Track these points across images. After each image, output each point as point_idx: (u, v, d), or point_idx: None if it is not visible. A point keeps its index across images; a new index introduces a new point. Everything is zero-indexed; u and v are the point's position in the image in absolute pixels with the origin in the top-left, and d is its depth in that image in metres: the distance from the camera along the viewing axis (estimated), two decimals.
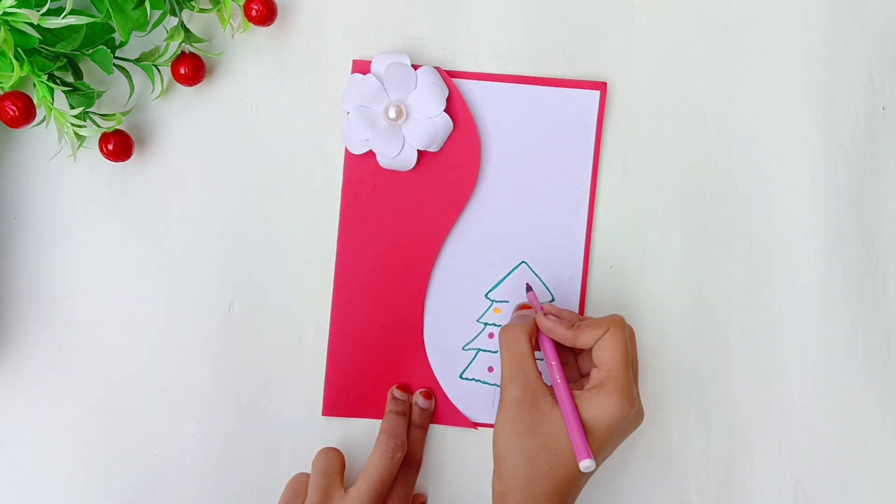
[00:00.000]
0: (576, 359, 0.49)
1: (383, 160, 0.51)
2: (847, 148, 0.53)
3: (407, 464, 0.51)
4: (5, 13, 0.42)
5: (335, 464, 0.50)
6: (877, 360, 0.54)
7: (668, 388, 0.53)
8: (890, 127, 0.54)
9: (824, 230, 0.54)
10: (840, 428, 0.54)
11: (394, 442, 0.49)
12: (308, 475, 0.50)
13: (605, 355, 0.45)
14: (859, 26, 0.53)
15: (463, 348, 0.53)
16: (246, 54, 0.52)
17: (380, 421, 0.52)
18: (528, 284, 0.51)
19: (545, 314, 0.48)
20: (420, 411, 0.52)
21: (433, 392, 0.53)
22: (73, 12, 0.43)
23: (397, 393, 0.52)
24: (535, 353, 0.47)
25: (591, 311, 0.53)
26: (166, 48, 0.50)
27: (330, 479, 0.49)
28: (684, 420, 0.54)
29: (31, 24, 0.43)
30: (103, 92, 0.50)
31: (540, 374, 0.46)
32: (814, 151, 0.53)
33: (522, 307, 0.51)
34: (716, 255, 0.53)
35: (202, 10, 0.50)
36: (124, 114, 0.50)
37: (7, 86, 0.45)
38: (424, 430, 0.53)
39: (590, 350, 0.46)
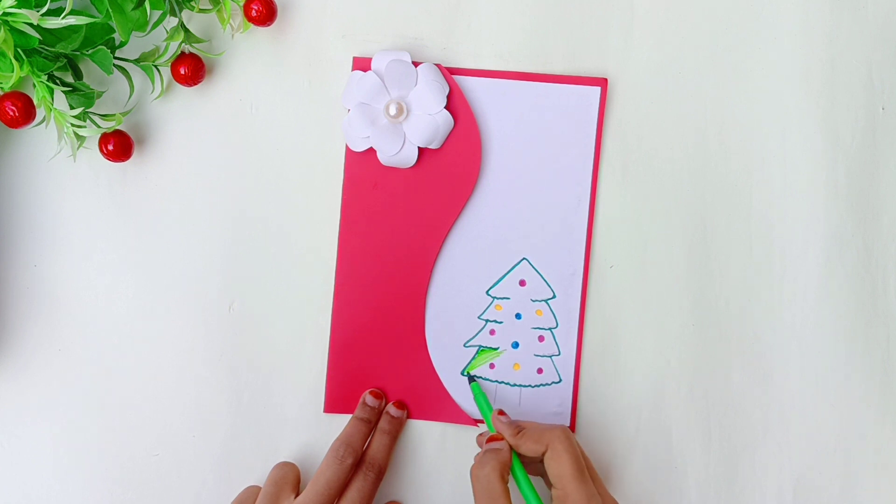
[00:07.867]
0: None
1: (384, 157, 0.51)
2: (847, 148, 0.53)
3: (367, 468, 0.50)
4: (5, 13, 0.42)
5: (288, 475, 0.50)
6: (877, 360, 0.54)
7: (668, 388, 0.53)
8: (890, 127, 0.54)
9: (824, 230, 0.53)
10: (840, 428, 0.54)
11: (344, 449, 0.49)
12: (260, 488, 0.50)
13: (555, 472, 0.45)
14: (859, 26, 0.53)
15: (464, 345, 0.53)
16: (246, 54, 0.52)
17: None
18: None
19: (500, 413, 0.50)
20: (390, 419, 0.52)
21: (406, 403, 0.53)
22: (73, 12, 0.43)
23: (369, 399, 0.52)
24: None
25: (591, 311, 0.53)
26: (166, 48, 0.50)
27: (280, 489, 0.49)
28: (684, 420, 0.53)
29: (31, 24, 0.43)
30: (103, 92, 0.50)
31: None
32: (814, 151, 0.53)
33: (491, 439, 0.49)
34: (716, 255, 0.53)
35: (202, 11, 0.50)
36: (124, 114, 0.50)
37: (7, 86, 0.45)
38: (393, 436, 0.52)
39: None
